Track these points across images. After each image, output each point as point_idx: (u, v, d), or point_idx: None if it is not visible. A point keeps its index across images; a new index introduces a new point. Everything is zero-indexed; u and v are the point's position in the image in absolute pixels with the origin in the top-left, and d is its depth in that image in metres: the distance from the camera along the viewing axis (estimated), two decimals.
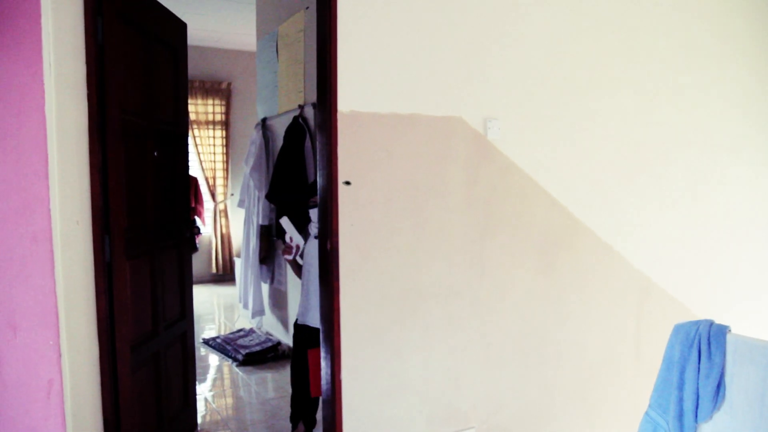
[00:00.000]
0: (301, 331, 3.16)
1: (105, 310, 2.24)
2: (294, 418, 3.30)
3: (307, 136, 4.01)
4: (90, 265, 2.17)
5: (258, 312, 5.01)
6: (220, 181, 7.71)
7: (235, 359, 4.61)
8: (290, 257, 3.21)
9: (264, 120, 4.90)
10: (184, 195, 3.28)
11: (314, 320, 3.03)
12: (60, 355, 1.92)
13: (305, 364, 3.09)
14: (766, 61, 3.87)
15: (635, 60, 3.34)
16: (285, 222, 3.26)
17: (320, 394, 2.94)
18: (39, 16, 1.83)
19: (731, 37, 3.72)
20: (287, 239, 3.27)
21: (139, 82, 2.69)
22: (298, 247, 3.22)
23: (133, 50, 2.61)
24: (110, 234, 2.30)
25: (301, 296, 3.20)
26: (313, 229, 3.07)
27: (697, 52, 3.59)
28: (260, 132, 4.83)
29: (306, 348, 3.10)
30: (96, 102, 2.21)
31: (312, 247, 3.07)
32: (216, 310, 6.46)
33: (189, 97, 7.36)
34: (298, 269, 3.31)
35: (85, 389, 2.11)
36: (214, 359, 4.75)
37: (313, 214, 2.89)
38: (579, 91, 3.16)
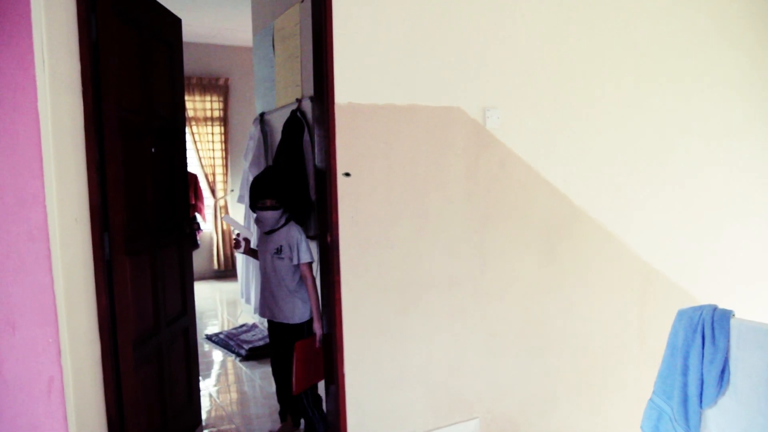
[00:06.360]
0: (274, 327, 3.13)
1: (106, 307, 2.23)
2: (282, 414, 3.28)
3: (306, 129, 3.99)
4: (89, 263, 2.16)
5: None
6: (219, 178, 7.69)
7: (238, 354, 4.61)
8: (241, 250, 3.33)
9: (262, 115, 4.88)
10: (183, 191, 3.27)
11: (282, 316, 3.01)
12: (60, 353, 1.91)
13: (282, 359, 3.07)
14: (764, 46, 3.84)
15: (634, 47, 3.32)
16: (228, 219, 3.53)
17: (301, 391, 2.95)
18: (29, 11, 1.81)
19: (729, 22, 3.70)
20: (234, 235, 3.42)
21: (135, 78, 2.67)
22: (247, 240, 3.34)
23: (128, 46, 2.59)
24: (109, 231, 2.29)
25: (259, 291, 3.19)
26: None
27: (695, 38, 3.56)
28: (258, 127, 4.81)
29: (280, 343, 3.08)
30: (92, 99, 2.19)
31: (262, 244, 3.06)
32: (219, 306, 6.46)
33: (187, 94, 7.34)
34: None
35: (88, 387, 2.11)
36: (217, 355, 4.75)
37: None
38: (578, 79, 3.14)
